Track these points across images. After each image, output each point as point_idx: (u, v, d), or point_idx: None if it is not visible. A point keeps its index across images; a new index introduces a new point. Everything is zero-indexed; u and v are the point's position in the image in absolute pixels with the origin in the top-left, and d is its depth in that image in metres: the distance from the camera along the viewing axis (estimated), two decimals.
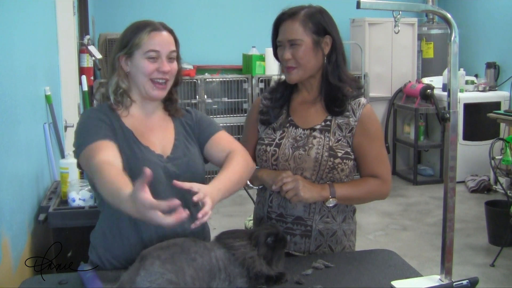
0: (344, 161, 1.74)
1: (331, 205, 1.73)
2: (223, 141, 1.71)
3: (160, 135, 1.67)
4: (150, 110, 1.68)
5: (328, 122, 1.77)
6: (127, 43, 1.60)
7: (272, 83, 1.92)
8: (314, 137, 1.75)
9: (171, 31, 1.65)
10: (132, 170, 1.54)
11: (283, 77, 1.84)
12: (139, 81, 1.61)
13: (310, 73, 1.76)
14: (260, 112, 1.87)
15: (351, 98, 1.76)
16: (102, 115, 1.59)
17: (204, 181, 1.69)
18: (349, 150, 1.75)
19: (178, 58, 1.66)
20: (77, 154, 1.56)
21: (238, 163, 1.60)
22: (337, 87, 1.75)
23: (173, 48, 1.63)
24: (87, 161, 1.50)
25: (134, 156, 1.57)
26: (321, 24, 1.73)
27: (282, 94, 1.84)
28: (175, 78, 1.67)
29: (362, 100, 1.78)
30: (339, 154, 1.73)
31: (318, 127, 1.77)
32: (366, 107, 1.77)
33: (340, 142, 1.75)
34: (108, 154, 1.47)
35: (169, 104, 1.73)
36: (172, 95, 1.71)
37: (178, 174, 1.61)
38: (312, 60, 1.73)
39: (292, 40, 1.72)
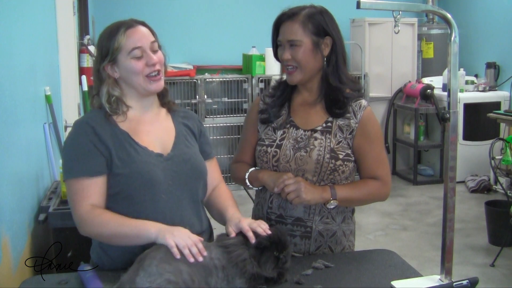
0: (345, 163, 1.74)
1: (332, 207, 1.73)
2: (212, 169, 1.77)
3: (159, 133, 1.66)
4: (146, 106, 1.66)
5: (329, 124, 1.77)
6: (107, 51, 1.58)
7: (274, 82, 1.91)
8: (315, 139, 1.75)
9: (144, 24, 1.64)
10: (131, 174, 1.54)
11: (284, 76, 1.84)
12: (134, 82, 1.60)
13: (310, 74, 1.76)
14: (260, 111, 1.87)
15: (352, 99, 1.77)
16: (91, 133, 1.56)
17: (206, 177, 1.70)
18: (349, 152, 1.75)
19: (160, 47, 1.65)
20: (63, 177, 1.59)
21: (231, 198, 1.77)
22: (337, 89, 1.75)
23: (153, 38, 1.62)
24: (71, 197, 1.55)
25: (132, 160, 1.56)
26: (321, 25, 1.72)
27: (282, 93, 1.84)
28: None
29: (363, 102, 1.78)
30: (340, 156, 1.73)
31: (319, 128, 1.77)
32: (367, 110, 1.77)
33: (341, 144, 1.75)
34: (93, 200, 1.53)
35: (163, 97, 1.72)
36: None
37: (178, 173, 1.62)
38: (311, 61, 1.73)
39: (291, 40, 1.72)
